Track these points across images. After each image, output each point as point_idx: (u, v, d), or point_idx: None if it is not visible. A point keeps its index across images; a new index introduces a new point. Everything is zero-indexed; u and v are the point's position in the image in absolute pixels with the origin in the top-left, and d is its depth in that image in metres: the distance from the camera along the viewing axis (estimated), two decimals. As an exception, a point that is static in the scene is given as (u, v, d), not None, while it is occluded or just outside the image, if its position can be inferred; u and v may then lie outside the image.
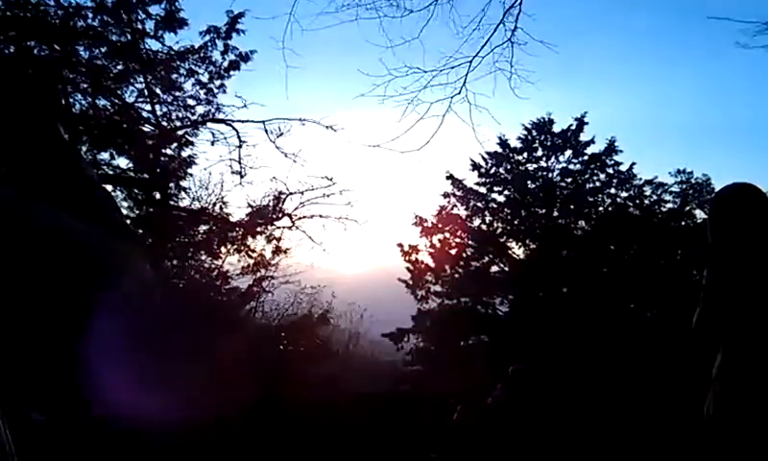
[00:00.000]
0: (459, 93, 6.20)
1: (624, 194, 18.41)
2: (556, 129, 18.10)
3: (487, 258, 18.18)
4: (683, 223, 19.24)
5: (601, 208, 18.25)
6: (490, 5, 5.96)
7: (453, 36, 6.17)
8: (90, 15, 11.00)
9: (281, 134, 11.77)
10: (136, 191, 11.98)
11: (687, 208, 19.94)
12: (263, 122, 11.69)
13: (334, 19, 6.17)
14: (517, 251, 18.23)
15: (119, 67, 11.29)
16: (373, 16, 6.31)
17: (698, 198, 20.42)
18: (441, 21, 6.42)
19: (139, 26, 11.24)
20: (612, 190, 18.29)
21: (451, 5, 6.33)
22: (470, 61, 6.10)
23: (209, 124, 12.04)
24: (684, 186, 20.51)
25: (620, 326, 16.06)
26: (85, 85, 11.20)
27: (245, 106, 11.80)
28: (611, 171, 18.11)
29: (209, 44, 11.59)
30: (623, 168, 18.15)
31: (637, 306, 17.62)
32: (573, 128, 18.01)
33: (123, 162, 11.96)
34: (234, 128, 11.90)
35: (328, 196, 12.70)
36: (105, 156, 11.72)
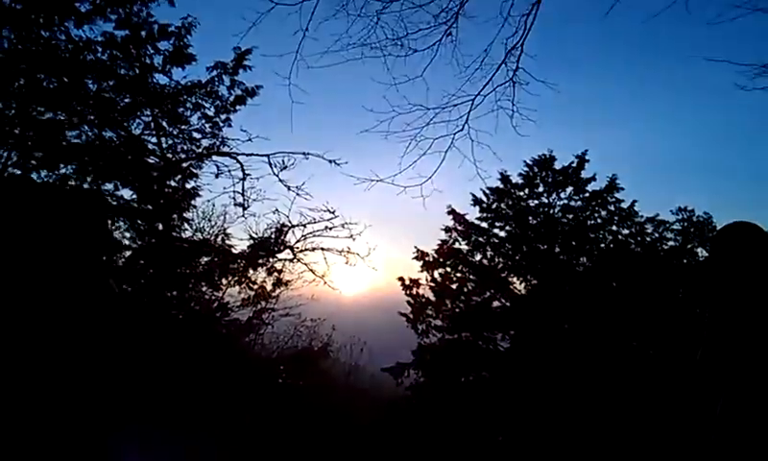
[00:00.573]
0: (461, 130, 6.30)
1: (625, 231, 18.46)
2: (557, 165, 18.27)
3: (488, 293, 18.15)
4: (684, 261, 19.27)
5: (602, 245, 18.28)
6: (492, 45, 6.09)
7: (456, 76, 6.29)
8: (100, 50, 11.23)
9: (285, 168, 11.88)
10: (139, 222, 12.04)
11: (689, 246, 19.99)
12: (267, 156, 11.83)
13: (340, 58, 6.29)
14: (519, 286, 18.20)
15: (126, 100, 11.46)
16: (378, 55, 6.43)
17: (699, 236, 20.47)
18: (444, 60, 6.53)
19: (148, 61, 11.46)
20: (614, 227, 18.35)
21: (454, 45, 6.45)
22: (473, 100, 6.21)
23: (214, 157, 12.20)
24: (686, 224, 20.59)
25: (622, 363, 15.94)
26: (92, 117, 11.35)
27: (250, 139, 11.96)
28: (612, 208, 18.21)
29: (216, 79, 11.83)
30: (624, 205, 18.27)
31: (640, 344, 17.50)
32: (574, 165, 18.18)
33: (127, 193, 12.05)
34: (239, 161, 12.04)
35: (330, 229, 12.75)
36: (109, 186, 11.81)
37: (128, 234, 12.39)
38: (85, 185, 11.96)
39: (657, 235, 19.26)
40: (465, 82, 6.31)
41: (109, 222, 11.38)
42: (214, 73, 11.80)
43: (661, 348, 16.80)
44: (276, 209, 12.61)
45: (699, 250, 20.16)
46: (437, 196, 6.75)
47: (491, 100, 6.30)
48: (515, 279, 18.18)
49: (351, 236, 12.86)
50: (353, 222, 12.84)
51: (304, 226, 12.72)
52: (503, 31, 6.01)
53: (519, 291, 18.15)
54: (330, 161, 11.63)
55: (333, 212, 12.66)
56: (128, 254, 12.32)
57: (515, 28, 5.94)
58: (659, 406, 14.13)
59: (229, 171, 12.18)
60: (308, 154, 11.85)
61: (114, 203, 11.83)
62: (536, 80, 6.12)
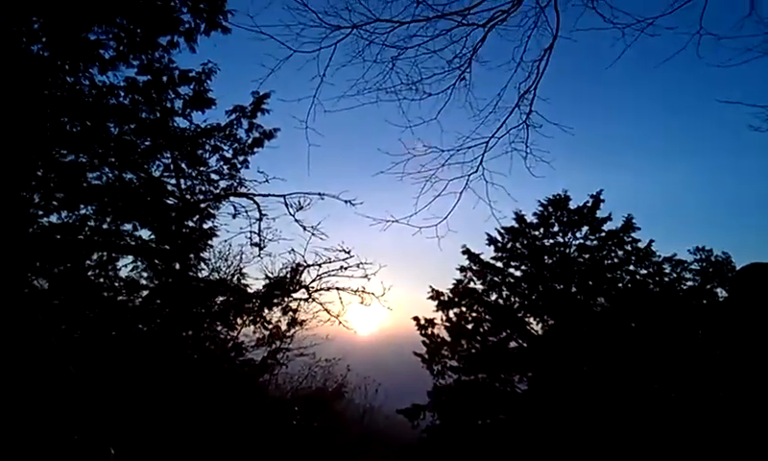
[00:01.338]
0: (476, 172, 6.33)
1: (643, 271, 18.26)
2: (572, 205, 18.24)
3: (504, 334, 17.95)
4: (704, 301, 18.95)
5: (620, 285, 18.07)
6: (505, 90, 6.16)
7: (470, 118, 6.36)
8: (122, 94, 11.53)
9: (301, 208, 11.99)
10: (157, 261, 12.17)
11: (708, 286, 19.70)
12: (284, 196, 11.94)
13: (356, 101, 6.40)
14: (536, 326, 18.00)
15: (147, 143, 11.71)
16: (393, 99, 6.53)
17: (718, 276, 20.19)
18: (458, 103, 6.62)
19: (168, 105, 11.74)
20: (631, 267, 18.17)
21: (468, 89, 6.54)
22: (487, 142, 6.26)
23: (232, 198, 12.38)
24: (704, 264, 20.35)
25: (644, 407, 15.58)
26: (113, 159, 11.59)
27: (267, 180, 12.13)
28: (629, 248, 18.06)
29: (235, 122, 12.10)
30: (641, 245, 18.12)
31: (661, 387, 17.11)
32: (589, 204, 18.14)
33: (145, 233, 12.22)
34: (255, 201, 12.18)
35: (346, 269, 12.77)
36: (128, 227, 12.00)
37: (145, 274, 12.54)
38: (104, 226, 12.18)
39: (675, 275, 19.04)
40: (479, 124, 6.38)
41: None
42: (233, 116, 12.10)
43: (683, 390, 16.41)
44: (292, 249, 12.70)
45: (718, 290, 19.88)
46: (452, 235, 6.74)
47: (504, 142, 6.35)
48: (531, 320, 18.00)
49: (366, 276, 12.87)
50: (368, 262, 12.86)
51: (320, 265, 12.77)
52: (516, 75, 6.10)
53: (536, 331, 17.94)
54: (346, 201, 11.70)
55: (348, 252, 12.71)
56: (145, 293, 12.44)
57: (527, 72, 6.03)
58: (681, 450, 13.75)
59: (246, 211, 12.33)
60: (324, 194, 11.96)
61: (133, 243, 11.99)
62: (549, 122, 6.17)
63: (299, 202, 11.96)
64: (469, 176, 6.33)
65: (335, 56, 6.18)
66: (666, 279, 18.75)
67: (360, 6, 5.90)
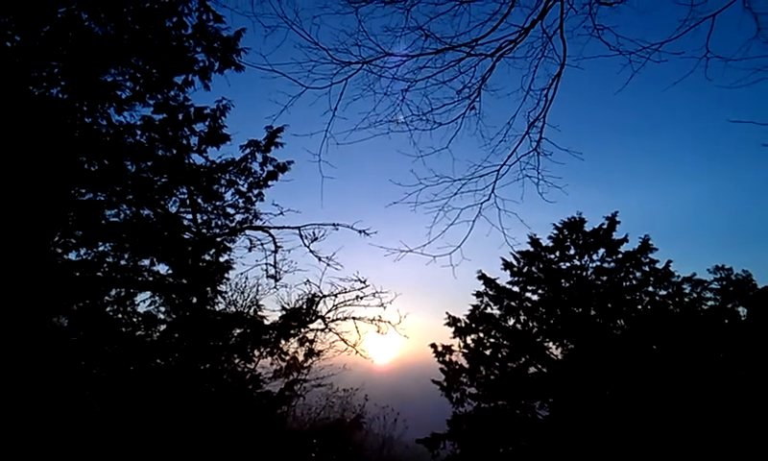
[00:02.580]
0: (488, 200, 6.35)
1: (662, 292, 18.04)
2: (587, 227, 18.16)
3: (523, 359, 17.76)
4: (725, 320, 18.63)
5: (639, 307, 17.84)
6: (515, 118, 6.21)
7: (481, 147, 6.41)
8: (138, 132, 11.77)
9: (315, 239, 12.10)
10: (174, 296, 12.26)
11: (729, 306, 19.36)
12: (298, 228, 12.08)
13: (367, 133, 6.48)
14: (555, 351, 17.79)
15: (163, 180, 11.90)
16: (404, 130, 6.61)
17: (739, 295, 19.84)
18: (468, 132, 6.67)
19: (184, 141, 11.95)
20: (650, 288, 17.95)
21: (478, 118, 6.60)
22: (498, 170, 6.29)
23: (247, 231, 12.52)
24: (724, 283, 20.02)
25: (668, 430, 15.26)
26: (130, 197, 11.78)
27: (281, 213, 12.27)
28: (647, 269, 17.89)
29: (249, 157, 12.27)
30: (659, 266, 17.93)
31: (685, 409, 16.76)
32: (605, 226, 18.05)
33: (163, 268, 12.34)
34: (271, 234, 12.32)
35: (361, 298, 12.78)
36: (145, 262, 12.13)
37: (163, 309, 12.63)
38: (122, 262, 12.35)
39: (695, 295, 18.75)
40: (489, 153, 6.42)
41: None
42: (247, 151, 12.27)
43: (707, 412, 16.08)
44: (308, 280, 12.77)
45: (740, 309, 19.53)
46: (467, 261, 6.72)
47: (516, 169, 6.38)
48: (550, 344, 17.80)
49: (382, 305, 12.86)
50: (384, 291, 12.86)
51: (335, 295, 12.81)
52: (525, 104, 6.14)
53: (556, 356, 17.72)
54: (360, 231, 11.80)
55: (364, 282, 12.74)
56: (162, 327, 12.51)
57: (536, 101, 6.07)
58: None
59: (262, 244, 12.46)
60: (338, 225, 12.07)
61: (150, 278, 12.11)
62: (560, 149, 6.19)
63: (313, 233, 12.08)
64: (482, 204, 6.36)
65: (346, 90, 6.29)
66: (686, 299, 18.48)
67: (369, 41, 6.01)
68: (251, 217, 12.60)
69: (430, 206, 6.44)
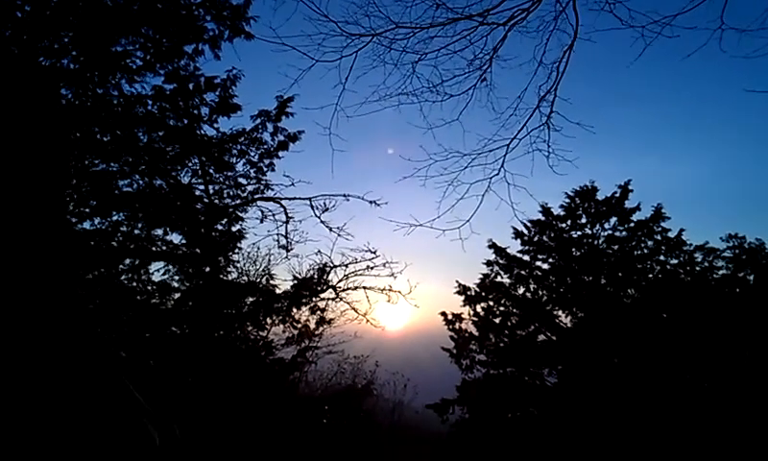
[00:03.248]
0: (498, 174, 6.33)
1: (674, 261, 17.96)
2: (599, 196, 18.03)
3: (533, 327, 17.87)
4: (737, 289, 18.58)
5: (650, 276, 17.81)
6: (526, 92, 6.15)
7: (491, 121, 6.36)
8: (150, 102, 11.78)
9: (326, 210, 12.18)
10: (187, 265, 12.44)
11: (741, 274, 19.28)
12: (309, 199, 12.15)
13: (377, 106, 6.46)
14: (564, 319, 17.86)
15: (175, 150, 11.95)
16: (414, 102, 6.57)
17: (752, 263, 19.73)
18: (479, 104, 6.62)
19: (195, 112, 11.95)
20: (662, 257, 17.87)
21: (489, 89, 6.54)
22: (508, 144, 6.26)
23: (259, 202, 12.60)
24: (737, 252, 19.89)
25: (676, 397, 15.39)
26: (143, 167, 11.87)
27: (292, 184, 12.33)
28: (659, 238, 17.78)
29: (260, 127, 12.27)
30: (671, 234, 17.81)
31: (693, 377, 16.87)
32: (617, 195, 17.92)
33: (176, 238, 12.49)
34: (282, 205, 12.40)
35: (372, 268, 12.90)
36: (159, 232, 12.29)
37: (176, 277, 12.83)
38: (136, 231, 12.51)
39: (707, 264, 18.67)
40: (500, 127, 6.37)
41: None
42: (258, 121, 12.27)
43: (716, 380, 16.18)
44: (319, 250, 12.93)
45: (752, 277, 19.44)
46: (477, 229, 6.75)
47: (526, 143, 6.34)
48: (560, 313, 17.87)
49: (393, 275, 12.99)
50: (394, 261, 12.96)
51: (346, 266, 12.94)
52: (536, 77, 6.08)
53: (565, 324, 17.81)
54: (371, 202, 11.86)
55: (374, 252, 12.84)
56: (176, 296, 12.73)
57: (547, 74, 6.00)
58: (715, 441, 13.58)
59: (273, 215, 12.56)
60: (349, 195, 12.13)
61: (164, 248, 12.27)
62: (570, 122, 6.14)
63: (324, 204, 12.15)
64: (491, 178, 6.35)
65: (356, 63, 6.24)
66: (698, 268, 18.42)
67: (379, 13, 5.94)
68: (262, 187, 12.69)
69: (440, 181, 6.44)
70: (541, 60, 5.95)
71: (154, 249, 12.04)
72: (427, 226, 6.52)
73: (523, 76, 6.13)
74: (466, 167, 6.33)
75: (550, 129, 6.13)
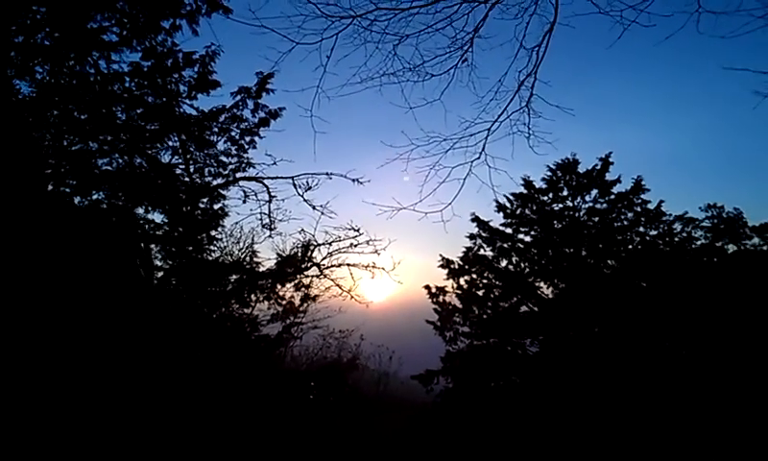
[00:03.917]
0: (479, 158, 6.40)
1: (653, 232, 18.23)
2: (581, 169, 18.16)
3: (515, 299, 18.11)
4: (714, 259, 18.95)
5: (630, 247, 18.09)
6: (506, 76, 6.17)
7: (472, 105, 6.39)
8: (127, 79, 11.59)
9: (309, 188, 12.20)
10: (169, 246, 12.40)
11: (719, 244, 19.65)
12: (292, 178, 12.15)
13: (359, 87, 6.45)
14: (546, 291, 18.12)
15: (155, 127, 11.81)
16: (395, 82, 6.57)
17: (730, 232, 20.11)
18: (461, 84, 6.64)
19: (174, 88, 11.78)
20: (641, 228, 18.13)
21: (470, 69, 6.56)
22: (489, 128, 6.31)
23: (241, 182, 12.55)
24: (716, 221, 20.24)
25: (655, 365, 15.80)
26: (122, 145, 11.73)
27: (275, 163, 12.29)
28: (638, 209, 18.01)
29: (240, 103, 12.13)
30: (651, 206, 18.06)
31: (672, 345, 17.30)
32: (598, 167, 18.06)
33: (158, 217, 12.42)
34: (264, 184, 12.39)
35: (356, 246, 12.97)
36: (140, 211, 12.20)
37: (159, 256, 12.79)
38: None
39: (685, 234, 18.98)
40: (481, 111, 6.41)
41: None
42: (238, 98, 12.13)
43: (694, 347, 16.61)
44: (302, 229, 12.99)
45: (730, 246, 19.83)
46: (458, 217, 6.84)
47: (506, 125, 6.39)
48: (542, 284, 18.12)
49: (376, 251, 13.09)
50: (378, 239, 13.05)
51: (330, 243, 13.00)
52: (517, 62, 6.10)
53: (547, 295, 18.09)
54: (353, 180, 11.91)
55: (358, 230, 12.91)
56: (160, 275, 12.70)
57: (528, 58, 6.03)
58: (692, 406, 14.01)
59: (256, 194, 12.55)
60: (332, 174, 12.15)
61: (146, 226, 12.20)
62: (550, 105, 6.20)
63: (307, 182, 12.16)
64: (473, 162, 6.41)
65: (337, 45, 6.21)
66: (677, 238, 18.71)
67: (359, -6, 5.90)
68: (244, 165, 12.62)
69: (421, 165, 6.49)
70: (522, 44, 5.98)
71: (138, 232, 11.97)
72: (410, 209, 6.59)
73: (504, 59, 6.15)
74: (447, 151, 6.38)
75: (530, 112, 6.17)
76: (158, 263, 12.92)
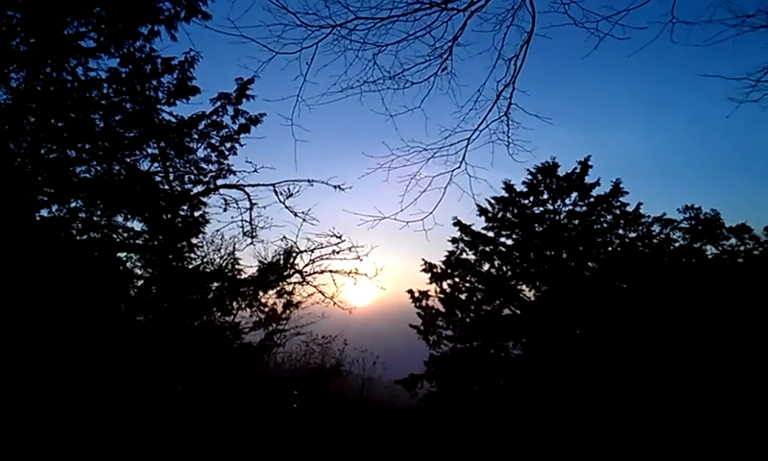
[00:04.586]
0: (459, 167, 6.44)
1: (632, 234, 18.48)
2: (561, 172, 18.35)
3: (498, 302, 18.23)
4: (693, 260, 19.24)
5: (610, 249, 18.31)
6: (485, 86, 6.22)
7: (452, 115, 6.43)
8: (105, 86, 11.44)
9: (291, 195, 12.16)
10: (149, 255, 12.26)
11: (698, 245, 19.95)
12: (273, 185, 12.11)
13: (340, 96, 6.46)
14: (528, 293, 18.27)
15: (133, 134, 11.68)
16: (375, 90, 6.59)
17: (708, 233, 20.42)
18: (441, 92, 6.68)
19: (152, 94, 11.65)
20: (620, 231, 18.37)
21: (450, 77, 6.60)
22: (468, 138, 6.36)
23: (222, 190, 12.46)
24: (693, 223, 20.54)
25: (637, 365, 15.99)
26: (100, 153, 11.58)
27: (255, 170, 12.23)
28: (617, 212, 18.24)
29: (220, 109, 12.03)
30: (630, 208, 18.30)
31: (653, 345, 17.52)
32: (578, 171, 18.26)
33: (137, 224, 12.28)
34: (245, 191, 12.32)
35: (338, 252, 12.95)
36: (119, 219, 12.05)
37: (139, 264, 12.64)
38: (95, 218, 12.26)
39: (664, 236, 19.26)
40: (460, 120, 6.45)
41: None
42: (218, 104, 12.02)
43: (675, 347, 16.83)
44: (284, 237, 12.93)
45: (708, 247, 20.14)
46: (439, 226, 6.87)
47: (486, 134, 6.44)
48: (524, 287, 18.26)
49: (359, 258, 13.08)
50: (360, 245, 13.05)
51: (312, 250, 12.97)
52: (495, 72, 6.15)
53: (529, 298, 18.23)
54: (335, 187, 11.88)
55: (340, 237, 12.90)
56: (140, 283, 12.56)
57: (506, 68, 6.09)
58: (674, 405, 14.21)
59: (236, 202, 12.47)
60: (313, 181, 12.13)
61: (125, 235, 12.06)
62: (528, 114, 6.27)
63: (288, 189, 12.12)
64: (453, 171, 6.45)
65: (317, 55, 6.21)
66: (656, 240, 18.98)
67: (338, 5, 5.91)
68: (224, 171, 12.51)
69: (402, 174, 6.51)
70: (500, 54, 6.04)
71: (114, 236, 11.82)
72: (392, 218, 6.61)
73: (483, 69, 6.20)
74: (428, 160, 6.40)
75: (509, 121, 6.22)
76: (138, 272, 12.79)
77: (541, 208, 18.44)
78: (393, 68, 6.50)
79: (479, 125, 6.32)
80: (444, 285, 18.27)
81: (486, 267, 18.36)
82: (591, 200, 18.23)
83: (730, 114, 5.71)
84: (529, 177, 18.36)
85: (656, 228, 19.40)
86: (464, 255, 18.48)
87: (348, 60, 6.37)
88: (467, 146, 6.37)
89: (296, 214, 12.26)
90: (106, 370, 9.12)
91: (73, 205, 12.11)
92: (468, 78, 6.67)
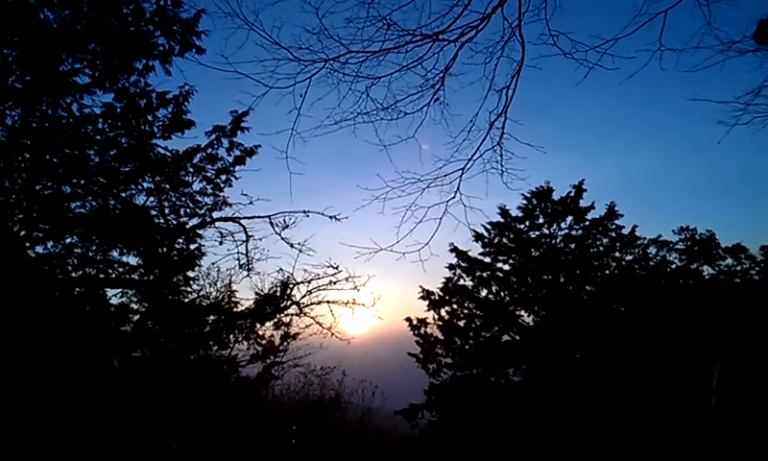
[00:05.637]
0: (454, 197, 6.45)
1: (629, 256, 18.51)
2: (555, 196, 18.42)
3: (497, 328, 18.13)
4: (690, 281, 19.24)
5: (607, 272, 18.29)
6: (477, 116, 6.27)
7: (445, 145, 6.46)
8: (100, 121, 11.48)
9: (287, 227, 12.14)
10: (145, 290, 12.19)
11: (694, 266, 19.98)
12: (269, 217, 12.09)
13: (334, 128, 6.49)
14: (527, 318, 18.18)
15: (129, 169, 11.68)
16: (369, 121, 6.62)
17: (704, 254, 20.48)
18: (434, 122, 6.72)
19: (147, 128, 11.70)
20: (617, 253, 18.38)
21: (443, 107, 6.64)
22: (462, 169, 6.38)
23: (217, 222, 12.43)
24: (689, 243, 20.61)
25: (638, 388, 15.86)
26: (96, 188, 11.57)
27: (251, 202, 12.22)
28: (613, 234, 18.28)
29: (215, 142, 12.06)
30: (625, 231, 18.34)
31: (653, 368, 17.41)
32: (572, 194, 18.32)
33: (132, 259, 12.23)
34: (241, 224, 12.29)
35: (335, 283, 12.90)
36: (114, 254, 12.00)
37: (135, 299, 12.55)
38: (90, 253, 12.20)
39: (660, 257, 19.31)
40: (454, 151, 6.49)
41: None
42: (213, 137, 12.06)
43: (675, 370, 16.72)
44: (281, 268, 12.90)
45: (704, 268, 20.18)
46: (435, 256, 6.84)
47: (480, 164, 6.47)
48: (522, 312, 18.18)
49: (356, 287, 13.03)
50: (357, 275, 13.01)
51: (309, 281, 12.92)
52: (487, 102, 6.20)
53: (527, 323, 18.13)
54: (331, 217, 11.87)
55: (336, 267, 12.86)
56: (136, 318, 12.45)
57: (498, 99, 6.14)
58: (676, 430, 14.05)
59: (232, 235, 12.45)
60: (309, 212, 12.12)
61: (120, 270, 12.00)
62: (521, 143, 6.30)
63: (284, 221, 12.11)
64: (448, 202, 6.45)
65: (310, 88, 6.25)
66: (652, 262, 19.02)
67: (331, 40, 5.96)
68: (220, 203, 12.50)
69: (398, 205, 6.51)
70: (492, 85, 6.08)
71: (112, 275, 11.75)
72: (388, 250, 6.59)
73: (475, 100, 6.25)
74: (423, 190, 6.41)
75: (502, 150, 6.25)
76: (134, 307, 12.69)
77: (537, 233, 18.47)
78: (386, 99, 6.55)
79: (473, 155, 6.35)
80: (443, 312, 18.20)
81: (484, 293, 18.30)
82: (587, 223, 18.27)
83: (721, 139, 5.77)
84: (524, 201, 18.44)
85: (652, 250, 19.49)
86: (461, 282, 18.44)
87: (341, 92, 6.42)
88: (461, 176, 6.39)
89: (292, 245, 12.24)
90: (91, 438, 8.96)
91: (68, 240, 12.08)
92: (461, 107, 6.73)
